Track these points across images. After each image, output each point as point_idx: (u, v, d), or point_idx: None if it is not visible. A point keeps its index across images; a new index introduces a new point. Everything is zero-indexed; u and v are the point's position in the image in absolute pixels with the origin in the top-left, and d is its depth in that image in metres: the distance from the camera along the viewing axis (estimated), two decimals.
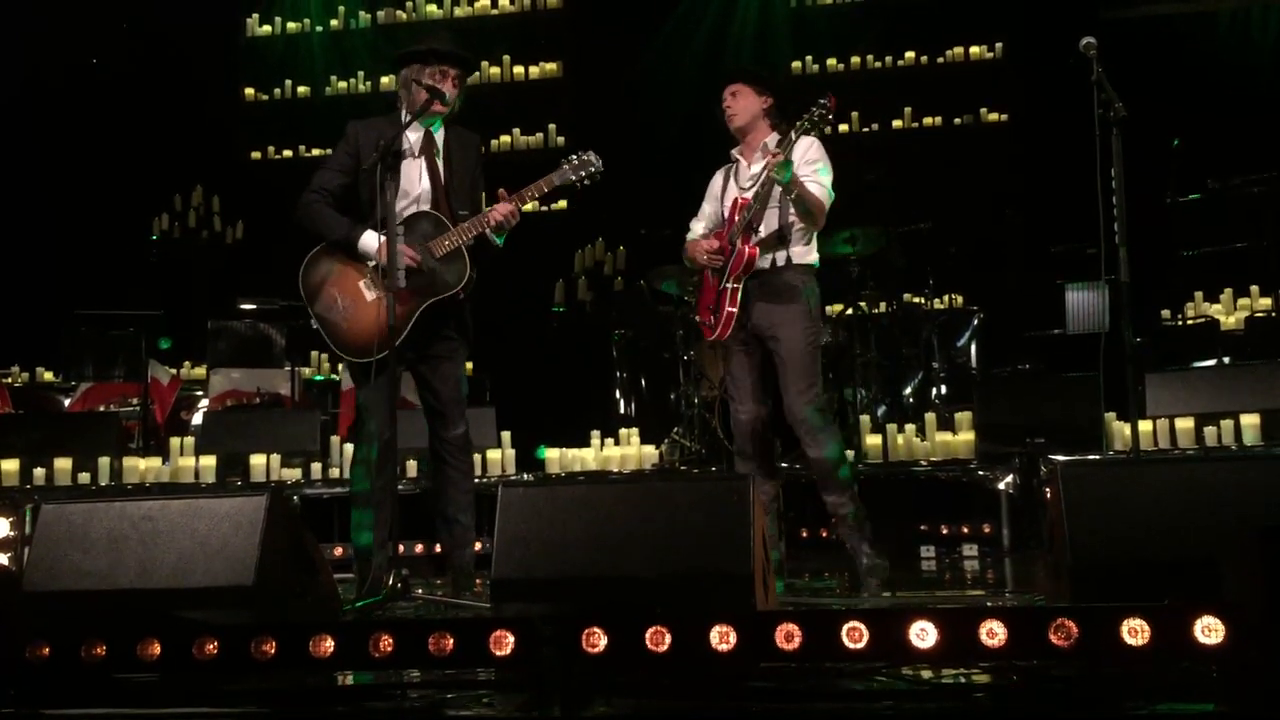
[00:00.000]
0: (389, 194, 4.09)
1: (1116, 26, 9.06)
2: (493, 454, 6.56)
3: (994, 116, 9.56)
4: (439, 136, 4.43)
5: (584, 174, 4.41)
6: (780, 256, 4.48)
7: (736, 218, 4.51)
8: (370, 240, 4.21)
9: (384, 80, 10.39)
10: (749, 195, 4.48)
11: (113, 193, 9.92)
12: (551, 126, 10.08)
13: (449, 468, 4.41)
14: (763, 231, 4.47)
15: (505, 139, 10.07)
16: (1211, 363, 7.16)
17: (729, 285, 4.46)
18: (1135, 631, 2.32)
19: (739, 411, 4.64)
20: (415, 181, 4.35)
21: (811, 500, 6.83)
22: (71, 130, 9.93)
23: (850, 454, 4.85)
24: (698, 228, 4.81)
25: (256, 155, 10.60)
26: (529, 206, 4.44)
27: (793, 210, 4.42)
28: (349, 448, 6.77)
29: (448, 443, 4.40)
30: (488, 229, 4.27)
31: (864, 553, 4.51)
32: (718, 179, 4.81)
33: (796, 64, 9.97)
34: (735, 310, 4.45)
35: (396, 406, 4.28)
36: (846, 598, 4.35)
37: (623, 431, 7.18)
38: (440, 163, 4.39)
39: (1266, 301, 8.03)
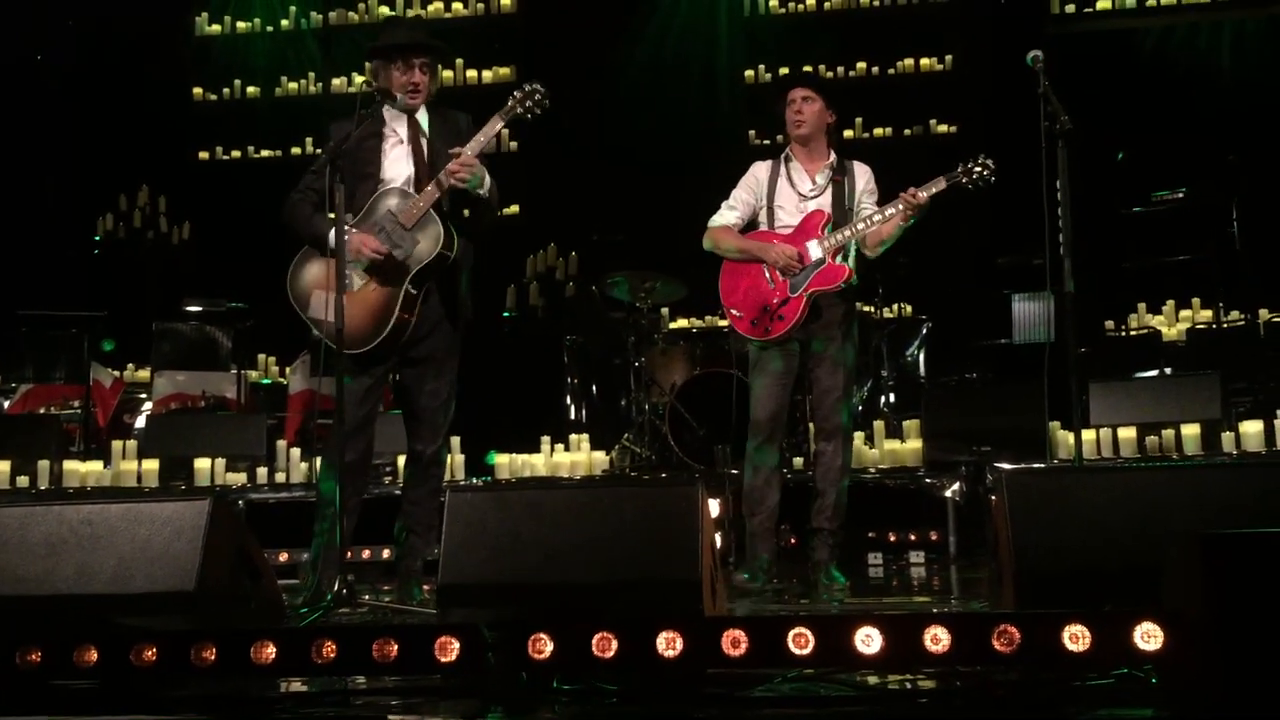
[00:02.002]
0: (342, 193, 4.02)
1: (1064, 41, 9.21)
2: (445, 465, 6.51)
3: (943, 128, 9.66)
4: (423, 120, 4.39)
5: (530, 103, 4.30)
6: (854, 277, 4.72)
7: (821, 233, 4.64)
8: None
9: (335, 81, 10.31)
10: (822, 209, 4.67)
11: (56, 192, 9.76)
12: (505, 131, 10.03)
13: (421, 481, 4.36)
14: (844, 253, 4.67)
15: None
16: (1153, 373, 7.28)
17: (806, 294, 4.60)
18: (1076, 638, 2.35)
19: (767, 409, 4.71)
20: (400, 167, 4.30)
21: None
22: (14, 128, 9.75)
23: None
24: (731, 216, 4.87)
25: (204, 155, 10.45)
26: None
27: (869, 238, 4.64)
28: (295, 452, 6.71)
29: (424, 456, 4.35)
30: (449, 183, 4.15)
31: (830, 566, 4.64)
32: (763, 173, 4.87)
33: (749, 73, 10.01)
34: (801, 318, 4.60)
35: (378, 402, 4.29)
36: (802, 604, 4.37)
37: (573, 437, 7.17)
38: (424, 145, 4.34)
39: (1208, 313, 8.17)
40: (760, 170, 4.89)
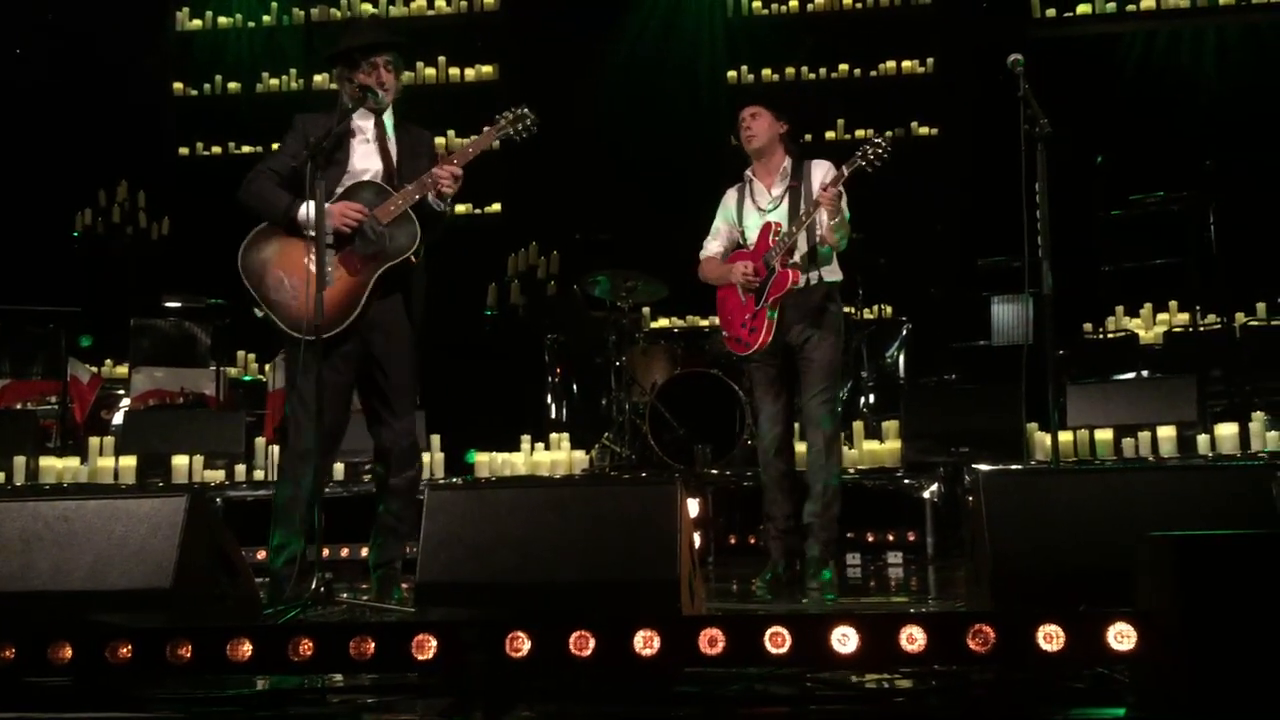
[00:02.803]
0: (321, 191, 3.98)
1: (1045, 45, 9.26)
2: (422, 457, 6.50)
3: (924, 130, 9.70)
4: (389, 124, 4.38)
5: (520, 127, 4.41)
6: (813, 276, 4.78)
7: (772, 241, 4.75)
8: (307, 211, 4.03)
9: (317, 78, 10.29)
10: (778, 219, 4.78)
11: (35, 187, 9.69)
12: (486, 129, 10.02)
13: (396, 471, 4.27)
14: (796, 255, 4.74)
15: (440, 140, 10.01)
16: (1130, 375, 7.33)
17: (767, 306, 4.72)
18: (1050, 638, 2.37)
19: (763, 425, 4.87)
20: (369, 162, 4.28)
21: (740, 507, 6.92)
22: None
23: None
24: (713, 246, 5.05)
25: (185, 151, 10.42)
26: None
27: (821, 232, 4.70)
28: (274, 450, 6.69)
29: (396, 440, 4.24)
30: (431, 192, 4.16)
31: (819, 565, 4.66)
32: (731, 198, 5.03)
33: (732, 74, 10.04)
34: (774, 328, 4.72)
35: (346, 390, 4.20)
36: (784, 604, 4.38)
37: (553, 436, 7.17)
38: (392, 146, 4.33)
39: (1184, 316, 8.24)
40: (729, 197, 5.03)
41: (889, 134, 4.68)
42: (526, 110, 4.41)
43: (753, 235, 4.88)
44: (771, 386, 4.85)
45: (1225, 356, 7.48)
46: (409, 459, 4.32)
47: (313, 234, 3.97)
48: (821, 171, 4.81)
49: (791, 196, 4.81)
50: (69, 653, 2.67)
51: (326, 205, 4.01)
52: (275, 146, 4.45)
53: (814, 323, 4.75)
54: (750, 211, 4.92)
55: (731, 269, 4.87)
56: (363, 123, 4.31)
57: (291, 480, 4.14)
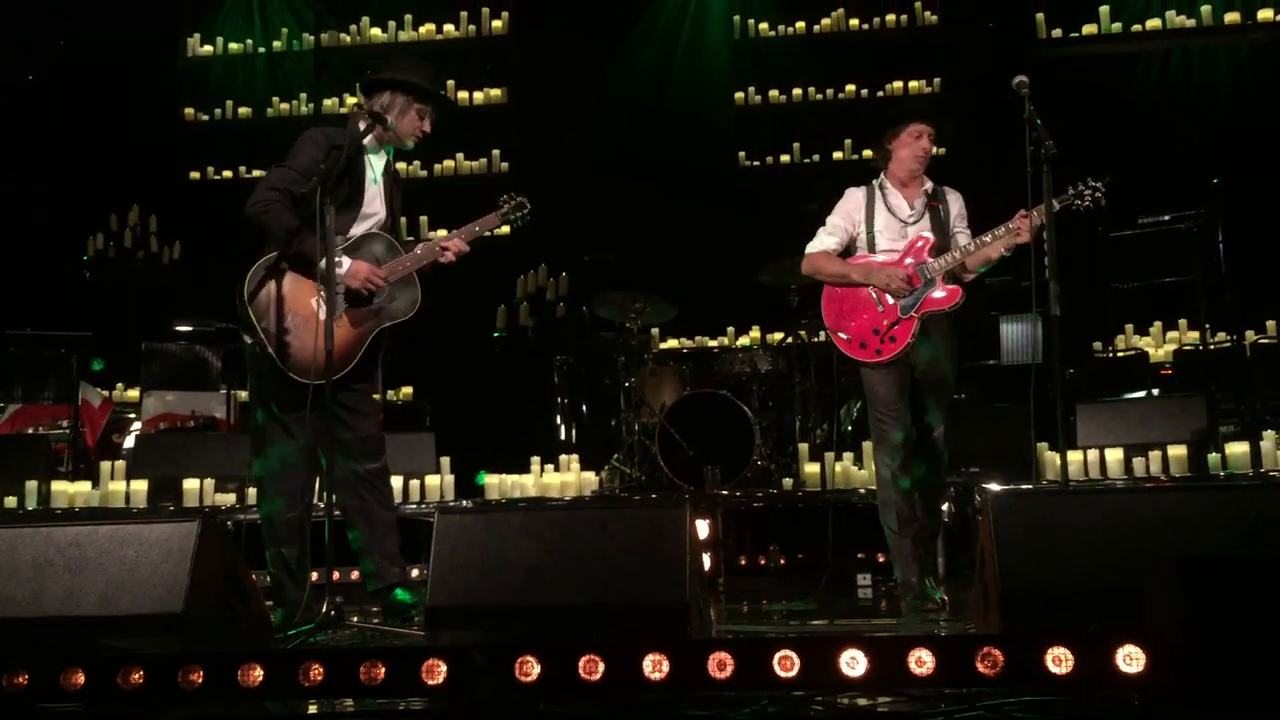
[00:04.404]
0: (330, 218, 4.00)
1: (1051, 65, 9.28)
2: (431, 479, 6.51)
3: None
4: (389, 166, 4.48)
5: (517, 216, 4.66)
6: None
7: (929, 257, 4.72)
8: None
9: (326, 102, 10.35)
10: (924, 234, 4.77)
11: (47, 211, 9.76)
12: (495, 152, 10.08)
13: (372, 495, 4.32)
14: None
15: (449, 164, 10.06)
16: (1141, 394, 7.31)
17: (917, 316, 4.69)
18: (1059, 660, 2.37)
19: (895, 434, 4.75)
20: (377, 204, 4.35)
21: (750, 528, 6.91)
22: (4, 147, 9.75)
23: None
24: (830, 241, 4.92)
25: (195, 176, 10.47)
26: None
27: (978, 258, 4.70)
28: None
29: (372, 472, 4.33)
30: (436, 258, 4.35)
31: (921, 577, 4.76)
32: (859, 198, 4.93)
33: (739, 95, 10.07)
34: (913, 339, 4.68)
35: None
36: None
37: (563, 458, 7.17)
38: (391, 193, 4.44)
39: (1194, 335, 8.22)
40: (857, 196, 4.94)
41: (1108, 179, 4.63)
42: (524, 200, 4.67)
43: (888, 243, 4.81)
44: (899, 396, 4.75)
45: (1235, 374, 7.47)
46: (384, 480, 4.45)
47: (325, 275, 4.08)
48: (959, 201, 4.89)
49: (933, 215, 4.82)
50: (81, 679, 2.68)
51: (350, 263, 4.13)
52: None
53: (946, 344, 4.77)
54: (886, 219, 4.84)
55: (866, 270, 4.78)
56: (372, 159, 4.36)
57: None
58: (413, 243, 4.46)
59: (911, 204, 4.86)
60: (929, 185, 4.90)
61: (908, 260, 4.76)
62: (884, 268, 4.76)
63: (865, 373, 4.81)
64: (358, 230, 4.28)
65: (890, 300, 4.74)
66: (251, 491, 6.62)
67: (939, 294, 4.70)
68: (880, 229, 4.84)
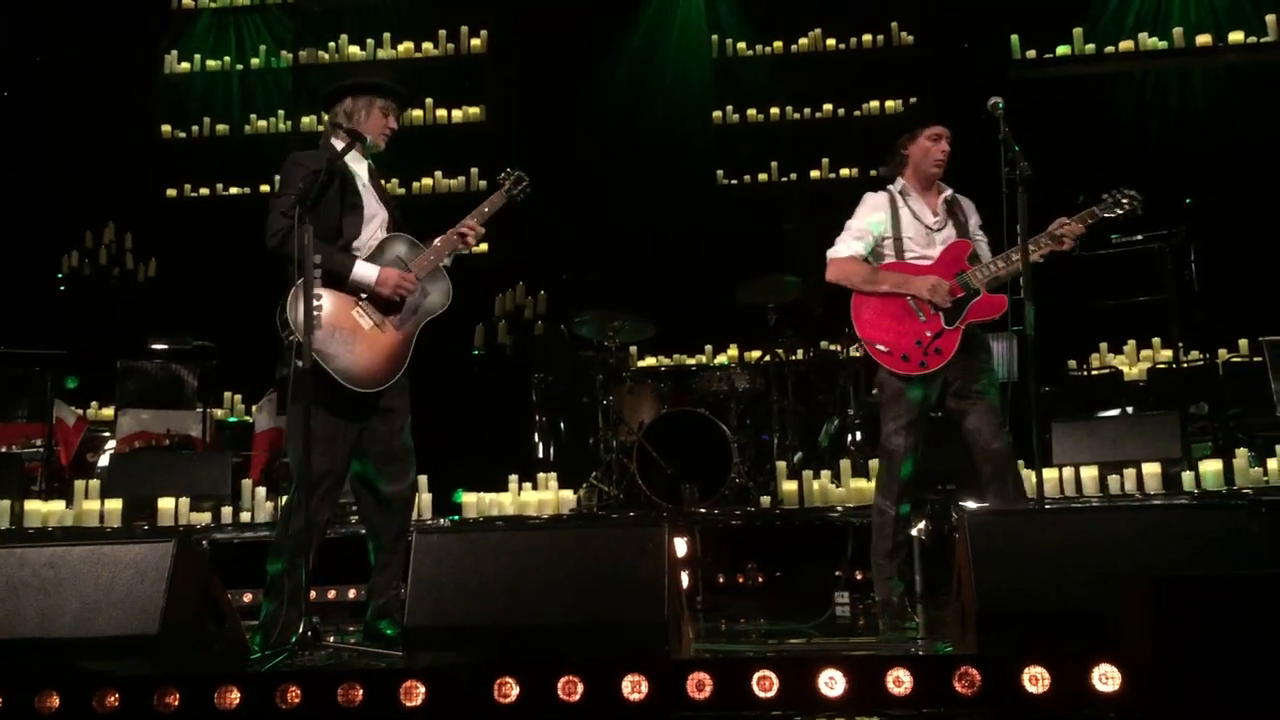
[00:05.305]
0: (307, 235, 3.99)
1: (1026, 85, 9.37)
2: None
3: None
4: (372, 168, 4.51)
5: (519, 190, 4.68)
6: None
7: (968, 264, 4.55)
8: (363, 271, 4.19)
9: (304, 120, 10.34)
10: (949, 240, 4.60)
11: (21, 228, 9.70)
12: (474, 170, 10.10)
13: (395, 521, 4.32)
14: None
15: (427, 181, 10.07)
16: (1115, 412, 7.37)
17: (963, 326, 4.50)
18: (1036, 679, 2.38)
19: (904, 465, 4.58)
20: (374, 206, 4.39)
21: (729, 546, 6.92)
22: None
23: None
24: (857, 246, 4.70)
25: (172, 193, 10.43)
26: None
27: (1005, 270, 4.55)
28: (261, 491, 6.67)
29: (400, 494, 4.33)
30: (459, 244, 4.42)
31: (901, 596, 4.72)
32: (883, 203, 4.74)
33: (717, 114, 10.13)
34: (957, 350, 4.49)
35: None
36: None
37: (541, 476, 7.16)
38: (381, 192, 4.48)
39: (1168, 353, 8.30)
40: (880, 201, 4.76)
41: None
42: (523, 174, 4.68)
43: (919, 249, 4.64)
44: (924, 416, 4.57)
45: (1209, 392, 7.53)
46: (407, 507, 4.45)
47: (364, 295, 4.20)
48: (974, 209, 4.77)
49: (955, 223, 4.67)
50: (56, 701, 2.66)
51: (378, 271, 4.19)
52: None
53: (985, 357, 4.59)
54: (912, 224, 4.67)
55: (906, 279, 4.58)
56: (357, 167, 4.40)
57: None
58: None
59: (934, 210, 4.69)
60: (948, 192, 4.75)
61: (950, 268, 4.58)
62: (922, 276, 4.59)
63: (897, 385, 4.57)
64: (366, 232, 4.32)
65: (932, 310, 4.54)
66: (226, 511, 6.58)
67: (984, 303, 4.52)
68: (909, 235, 4.66)
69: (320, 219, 4.13)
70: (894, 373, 4.54)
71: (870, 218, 4.73)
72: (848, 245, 4.70)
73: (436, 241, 4.40)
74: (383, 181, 4.56)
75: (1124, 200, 4.56)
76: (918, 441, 4.57)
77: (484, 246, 4.82)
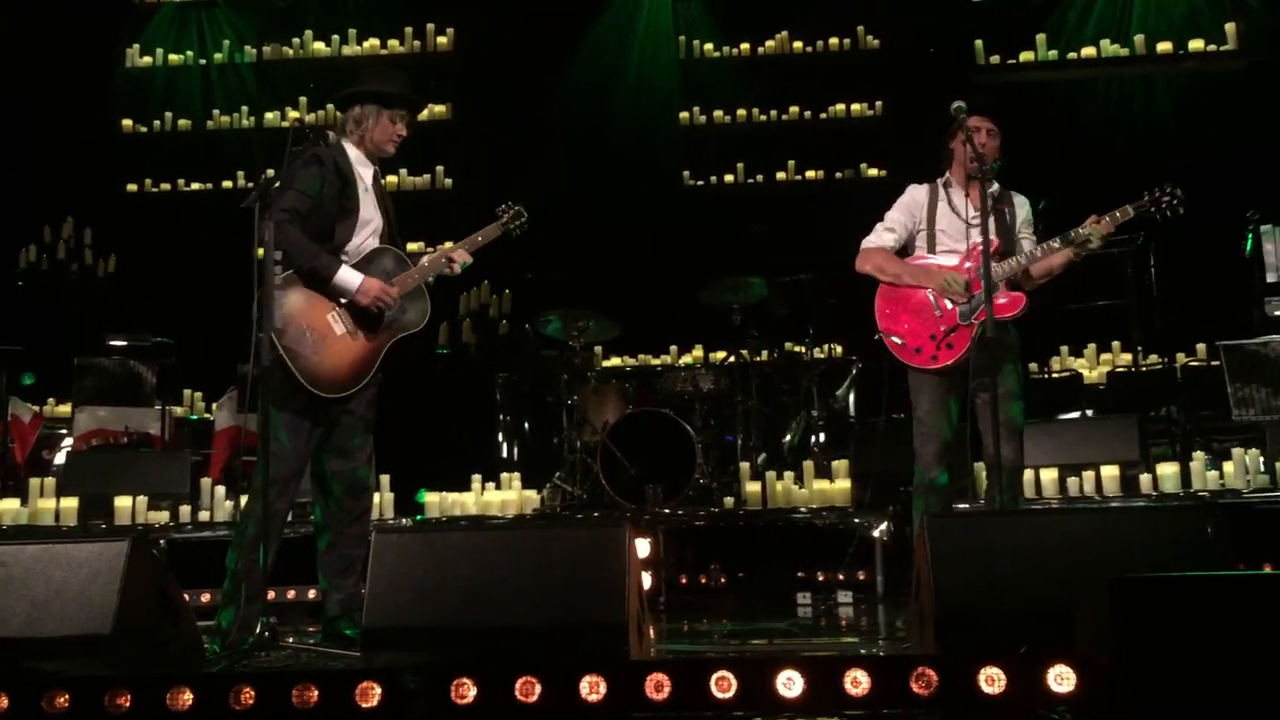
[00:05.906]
0: (269, 234, 3.97)
1: (989, 90, 9.43)
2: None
3: (873, 171, 9.83)
4: (378, 174, 4.49)
5: (515, 225, 4.72)
6: None
7: (996, 262, 4.45)
8: (347, 277, 4.17)
9: (268, 115, 10.23)
10: (992, 238, 4.45)
11: None
12: (439, 168, 10.04)
13: (356, 530, 4.29)
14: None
15: (392, 179, 9.99)
16: (1075, 415, 7.43)
17: (977, 322, 4.44)
18: (992, 680, 2.39)
19: (935, 441, 4.55)
20: (372, 211, 4.37)
21: (692, 547, 6.92)
22: None
23: None
24: (888, 237, 4.74)
25: (133, 187, 10.30)
26: (414, 247, 4.47)
27: (1036, 269, 4.54)
28: (220, 490, 6.60)
29: (360, 506, 4.32)
30: (447, 272, 4.43)
31: None
32: (921, 195, 4.75)
33: (684, 115, 10.12)
34: (971, 346, 4.46)
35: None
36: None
37: (504, 475, 7.14)
38: (384, 199, 4.46)
39: (1127, 357, 8.38)
40: (919, 194, 4.77)
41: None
42: (522, 209, 4.72)
43: (951, 243, 4.65)
44: (944, 407, 4.54)
45: (1166, 396, 7.62)
46: (364, 513, 4.41)
47: (345, 301, 4.19)
48: (1025, 206, 4.72)
49: (997, 218, 4.57)
50: (4, 702, 2.62)
51: (361, 279, 4.18)
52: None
53: (1008, 351, 4.54)
54: (948, 217, 4.66)
55: (926, 272, 4.60)
56: (360, 169, 4.38)
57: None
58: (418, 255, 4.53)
59: (976, 205, 4.61)
60: (995, 187, 4.67)
61: (967, 265, 4.57)
62: (941, 271, 4.59)
63: (913, 378, 4.60)
64: (358, 239, 4.30)
65: (949, 305, 4.56)
66: (185, 510, 6.52)
67: (1000, 300, 4.45)
68: (943, 228, 4.66)
69: (316, 219, 4.18)
70: (905, 364, 4.60)
71: (906, 208, 4.77)
72: (879, 236, 4.79)
73: (424, 260, 4.42)
74: (382, 187, 4.51)
75: (1164, 199, 4.49)
76: (937, 434, 4.54)
77: (448, 244, 4.79)
